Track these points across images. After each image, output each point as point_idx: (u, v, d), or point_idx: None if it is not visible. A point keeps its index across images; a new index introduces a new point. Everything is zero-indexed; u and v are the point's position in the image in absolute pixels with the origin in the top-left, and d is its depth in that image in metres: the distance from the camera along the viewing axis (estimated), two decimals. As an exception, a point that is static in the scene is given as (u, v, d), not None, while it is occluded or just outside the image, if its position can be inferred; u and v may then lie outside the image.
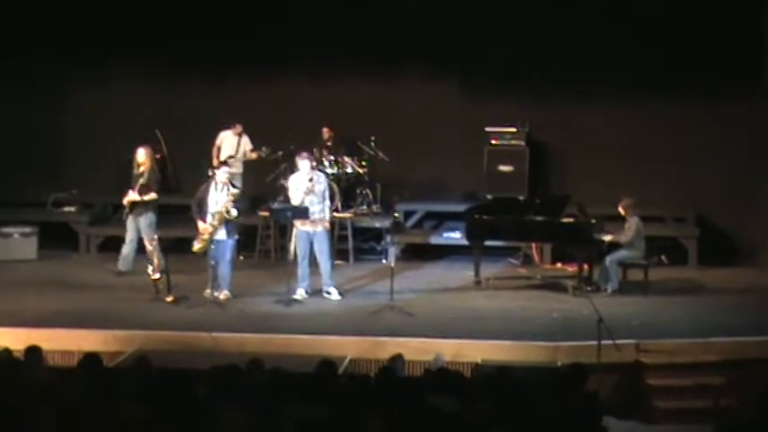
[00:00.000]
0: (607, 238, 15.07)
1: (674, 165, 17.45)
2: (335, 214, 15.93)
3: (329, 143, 17.52)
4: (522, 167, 17.70)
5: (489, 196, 17.11)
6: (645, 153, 17.51)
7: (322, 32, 17.69)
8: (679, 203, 17.47)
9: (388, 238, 15.45)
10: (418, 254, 17.27)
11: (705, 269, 16.54)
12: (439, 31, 17.60)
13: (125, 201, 15.47)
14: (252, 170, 17.31)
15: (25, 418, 8.10)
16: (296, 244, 14.64)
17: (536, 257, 17.00)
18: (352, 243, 16.93)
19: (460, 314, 13.84)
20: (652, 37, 17.21)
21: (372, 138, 17.61)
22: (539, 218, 15.24)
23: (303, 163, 14.56)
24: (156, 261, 14.24)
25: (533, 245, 16.86)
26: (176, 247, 15.24)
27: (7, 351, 10.69)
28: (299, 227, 14.47)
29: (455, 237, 16.97)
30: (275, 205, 16.50)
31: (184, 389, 8.61)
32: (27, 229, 16.83)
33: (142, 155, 15.56)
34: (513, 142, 17.77)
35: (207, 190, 14.27)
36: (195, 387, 8.72)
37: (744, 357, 12.27)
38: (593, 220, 15.26)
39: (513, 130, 17.75)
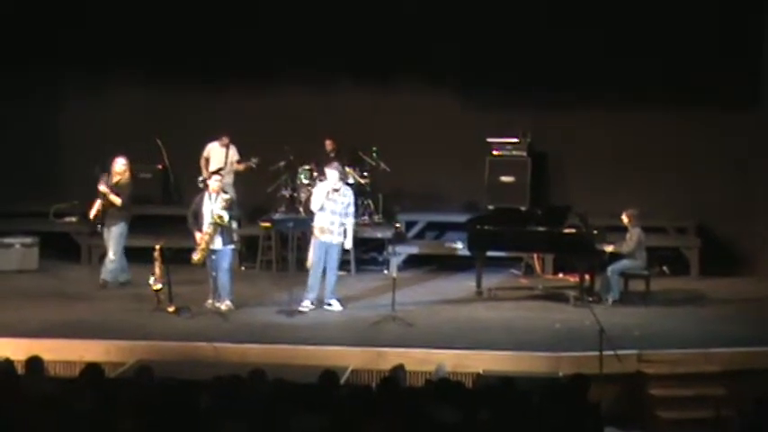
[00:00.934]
0: (608, 248, 15.06)
1: (675, 175, 17.47)
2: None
3: (332, 154, 17.53)
4: (524, 178, 17.71)
5: (491, 207, 17.13)
6: (646, 163, 17.53)
7: (322, 43, 17.70)
8: (680, 214, 17.48)
9: (391, 249, 15.44)
10: (420, 264, 17.27)
11: (707, 279, 16.54)
12: (440, 41, 17.62)
13: (93, 211, 15.36)
14: (250, 180, 17.28)
15: (26, 428, 8.11)
16: (312, 253, 14.61)
17: (538, 268, 17.01)
18: (353, 253, 16.92)
19: (462, 325, 13.83)
20: (652, 48, 17.22)
21: (374, 148, 17.63)
22: (540, 228, 15.24)
23: (331, 173, 14.54)
24: (157, 271, 14.23)
25: (535, 255, 16.86)
26: (178, 258, 15.22)
27: (8, 361, 10.66)
28: (319, 237, 14.45)
29: (457, 247, 16.97)
30: (276, 216, 16.53)
31: (186, 399, 8.60)
32: (28, 240, 16.83)
33: (122, 164, 15.45)
34: (514, 153, 17.78)
35: (201, 201, 14.27)
36: (197, 398, 8.72)
37: (745, 368, 12.26)
38: (595, 231, 15.26)
39: (515, 140, 17.77)
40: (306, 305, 14.38)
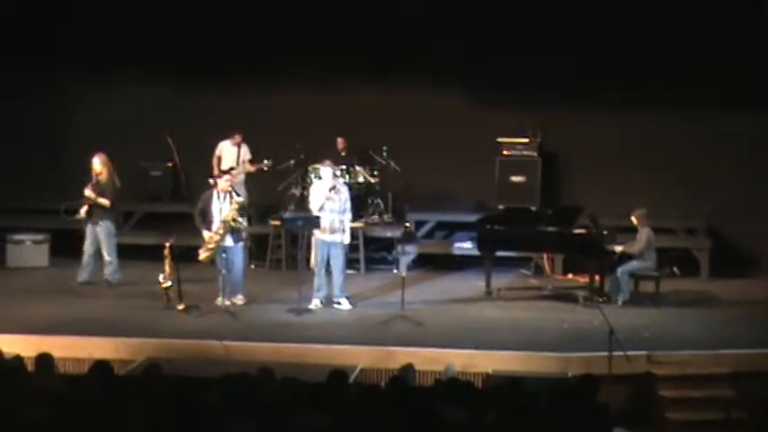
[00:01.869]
0: (618, 248, 15.04)
1: (685, 176, 17.45)
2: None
3: (343, 153, 17.53)
4: (534, 178, 17.69)
5: (501, 207, 17.11)
6: (657, 164, 17.50)
7: (334, 41, 17.70)
8: (691, 215, 17.46)
9: (401, 248, 15.44)
10: (429, 264, 17.26)
11: (717, 281, 16.51)
12: (451, 40, 17.62)
13: (82, 214, 15.37)
14: (260, 179, 17.29)
15: (36, 425, 8.12)
16: (314, 253, 14.63)
17: (547, 268, 16.99)
18: (363, 252, 16.93)
19: (471, 324, 13.83)
20: (664, 49, 17.20)
21: (384, 148, 17.62)
22: (550, 228, 15.22)
23: (325, 170, 14.57)
24: (167, 269, 14.24)
25: (545, 255, 16.85)
26: (187, 256, 15.23)
27: (18, 358, 10.71)
28: (319, 236, 14.47)
29: (467, 247, 16.96)
30: (286, 214, 16.53)
31: (195, 397, 8.61)
32: (39, 237, 16.87)
33: (98, 163, 15.38)
34: (525, 153, 17.76)
35: (209, 199, 14.28)
36: (206, 396, 8.72)
37: (755, 369, 12.24)
38: (605, 232, 15.24)
39: (526, 140, 17.75)
40: (315, 304, 14.40)
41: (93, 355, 11.75)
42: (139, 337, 12.77)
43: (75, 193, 16.89)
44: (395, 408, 8.52)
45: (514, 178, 17.73)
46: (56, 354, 10.32)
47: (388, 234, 17.30)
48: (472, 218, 16.59)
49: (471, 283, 16.10)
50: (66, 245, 17.25)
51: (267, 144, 17.43)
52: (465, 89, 18.05)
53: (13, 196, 17.97)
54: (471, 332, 13.35)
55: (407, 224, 17.22)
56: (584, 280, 15.61)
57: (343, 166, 17.31)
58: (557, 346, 12.65)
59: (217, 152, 17.21)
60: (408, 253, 16.01)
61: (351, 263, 16.40)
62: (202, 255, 14.28)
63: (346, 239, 14.67)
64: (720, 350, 12.63)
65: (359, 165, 17.47)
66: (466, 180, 17.99)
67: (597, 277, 15.18)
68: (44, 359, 9.78)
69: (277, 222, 16.64)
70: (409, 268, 15.41)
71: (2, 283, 15.70)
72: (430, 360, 11.95)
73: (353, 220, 15.20)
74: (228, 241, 14.18)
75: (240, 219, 14.09)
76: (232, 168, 16.68)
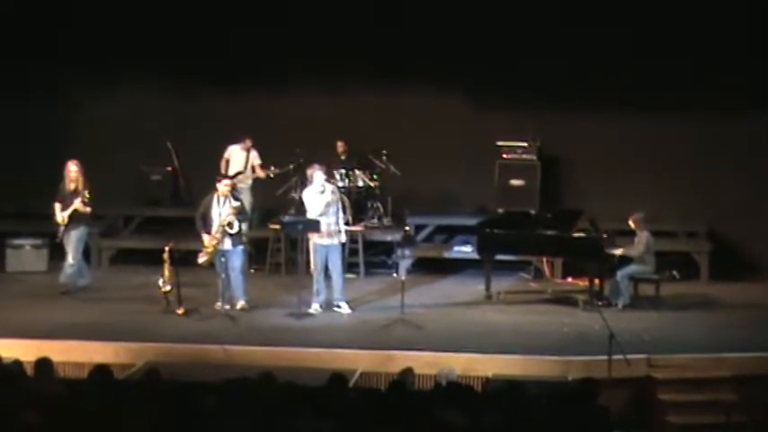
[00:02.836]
0: (618, 251, 15.04)
1: (686, 179, 17.45)
2: (345, 227, 15.90)
3: (343, 156, 17.52)
4: (534, 181, 17.69)
5: (500, 210, 17.11)
6: (657, 168, 17.51)
7: (334, 46, 17.71)
8: (691, 218, 17.45)
9: (400, 251, 15.43)
10: (429, 267, 17.25)
11: (717, 284, 16.49)
12: (450, 44, 17.62)
13: (63, 216, 15.03)
14: (262, 183, 17.31)
15: (35, 430, 8.11)
16: (313, 257, 14.63)
17: (547, 272, 16.97)
18: (362, 256, 16.92)
19: (471, 328, 13.82)
20: (663, 50, 17.21)
21: (384, 151, 17.62)
22: (550, 232, 15.22)
23: (318, 175, 14.56)
24: (166, 273, 14.23)
25: (544, 259, 16.83)
26: (187, 260, 15.23)
27: (18, 363, 10.69)
28: (317, 240, 14.47)
29: (466, 250, 16.95)
30: (286, 218, 16.51)
31: (194, 401, 8.60)
32: (38, 241, 16.85)
33: (76, 170, 15.16)
34: (524, 156, 17.77)
35: (210, 203, 14.28)
36: (206, 400, 8.71)
37: (756, 373, 12.23)
38: (605, 235, 15.23)
39: (525, 144, 17.75)
40: (314, 308, 14.39)
41: (92, 359, 11.74)
42: (139, 341, 12.76)
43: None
44: (395, 411, 8.51)
45: (514, 182, 17.73)
46: (55, 358, 10.31)
47: (388, 238, 17.29)
48: (472, 221, 16.58)
49: (471, 287, 16.09)
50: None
51: (267, 148, 17.43)
52: (465, 92, 18.05)
53: (12, 201, 17.96)
54: (471, 336, 13.34)
55: (407, 228, 17.22)
56: (583, 283, 15.59)
57: (342, 170, 17.32)
58: (557, 349, 12.64)
59: (225, 155, 17.22)
60: (408, 257, 16.03)
61: (350, 267, 16.41)
62: (201, 259, 14.29)
63: (342, 238, 14.65)
64: (721, 353, 12.61)
65: (359, 168, 17.46)
66: (465, 184, 18.00)
67: (597, 281, 15.17)
68: (43, 364, 9.77)
69: (277, 226, 16.62)
70: (408, 272, 15.41)
71: (1, 287, 15.72)
72: (430, 364, 11.91)
73: (353, 223, 15.18)
74: (227, 245, 14.18)
75: (235, 223, 14.06)
76: (239, 173, 16.71)
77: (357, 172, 17.42)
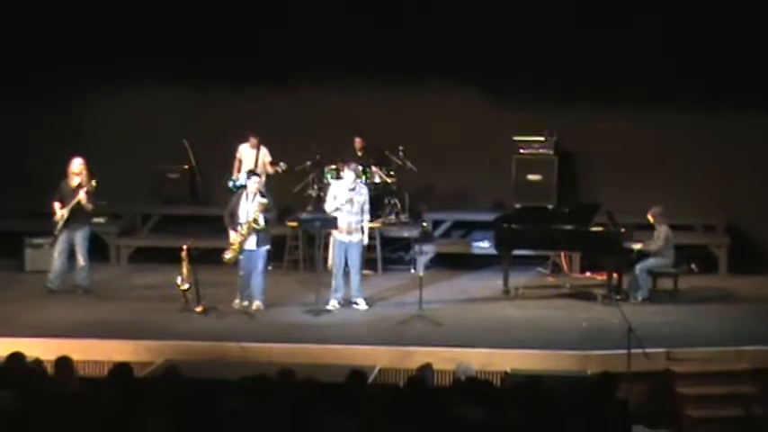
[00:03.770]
0: (636, 246, 15.02)
1: (704, 173, 17.40)
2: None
3: (360, 153, 17.53)
4: (551, 176, 17.66)
5: (518, 205, 17.08)
6: (674, 161, 17.46)
7: (350, 42, 17.70)
8: (709, 212, 17.40)
9: (417, 248, 15.43)
10: (447, 263, 17.25)
11: (735, 277, 16.47)
12: (466, 40, 17.59)
13: (62, 213, 15.05)
14: (278, 180, 17.28)
15: (56, 428, 8.15)
16: (332, 253, 14.64)
17: (565, 266, 16.96)
18: (380, 253, 16.92)
19: (489, 323, 13.83)
20: (681, 46, 17.16)
21: (401, 148, 17.61)
22: (567, 227, 15.20)
23: (348, 174, 14.54)
24: (185, 271, 14.26)
25: (562, 254, 16.82)
26: (205, 258, 15.27)
27: (38, 361, 10.73)
28: (337, 236, 14.48)
29: (484, 246, 16.95)
30: (303, 215, 16.54)
31: (214, 399, 8.62)
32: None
33: (79, 165, 15.14)
34: (541, 151, 17.73)
35: (238, 200, 14.32)
36: (225, 397, 8.73)
37: (775, 366, 12.21)
38: (623, 229, 15.21)
39: (542, 138, 17.72)
40: (332, 305, 14.41)
41: (111, 357, 11.79)
42: (158, 339, 12.80)
43: (95, 197, 16.93)
44: (414, 407, 8.52)
45: (531, 177, 17.70)
46: (75, 357, 10.33)
47: (405, 234, 17.30)
48: (489, 217, 16.56)
49: (489, 283, 16.08)
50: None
51: (283, 145, 17.44)
52: (481, 88, 18.01)
53: (31, 200, 18.00)
54: (489, 331, 13.35)
55: (424, 224, 17.23)
56: (601, 278, 15.59)
57: (360, 167, 17.31)
58: (575, 344, 12.64)
59: (237, 155, 17.23)
60: (426, 253, 16.02)
61: (368, 263, 16.40)
62: (227, 256, 14.29)
63: (365, 240, 14.68)
64: (740, 347, 12.60)
65: (375, 165, 17.47)
66: (482, 179, 17.98)
67: (615, 275, 15.16)
68: (63, 362, 9.80)
69: (294, 223, 16.65)
70: (426, 268, 15.41)
71: (21, 286, 15.76)
72: (448, 359, 11.92)
73: (370, 220, 15.18)
74: (251, 244, 14.19)
75: (261, 220, 14.09)
76: (252, 170, 16.69)
77: (374, 169, 17.42)
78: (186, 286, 14.19)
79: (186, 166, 18.58)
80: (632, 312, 12.75)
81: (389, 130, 17.82)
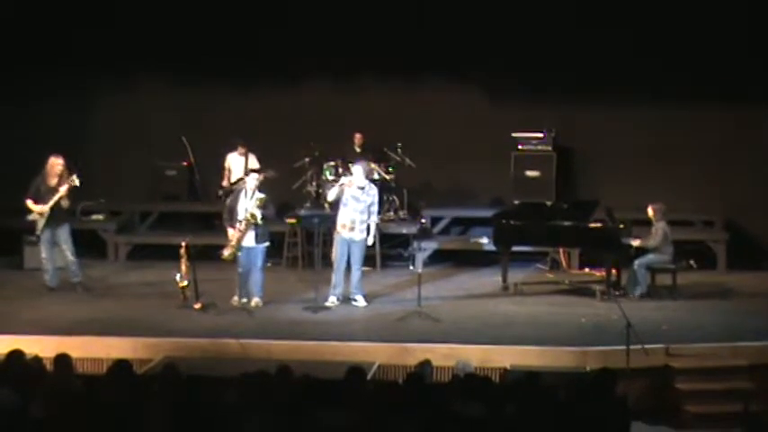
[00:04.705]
0: (635, 242, 15.02)
1: (702, 169, 17.41)
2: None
3: (359, 149, 17.52)
4: (550, 172, 17.66)
5: (516, 201, 17.09)
6: (673, 157, 17.47)
7: (349, 40, 17.69)
8: (708, 207, 17.41)
9: (416, 244, 15.44)
10: (445, 260, 17.26)
11: (734, 273, 16.48)
12: (465, 36, 17.59)
13: (43, 208, 14.89)
14: (277, 177, 17.25)
15: (55, 425, 8.15)
16: (335, 249, 14.63)
17: (564, 262, 16.97)
18: (379, 249, 16.92)
19: (488, 320, 13.83)
20: (679, 43, 17.16)
21: (399, 144, 17.62)
22: (566, 223, 15.21)
23: (357, 170, 14.48)
24: (183, 268, 14.26)
25: (561, 250, 16.82)
26: (204, 255, 15.27)
27: (37, 359, 10.74)
28: (342, 233, 14.47)
29: (483, 242, 16.95)
30: (302, 212, 16.54)
31: (213, 396, 8.63)
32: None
33: (60, 165, 15.01)
34: (539, 147, 17.74)
35: (237, 197, 14.32)
36: (224, 394, 8.73)
37: (774, 361, 12.21)
38: (622, 225, 15.22)
39: (540, 135, 17.72)
40: (331, 301, 14.41)
41: (110, 354, 11.79)
42: (157, 336, 12.81)
43: (93, 194, 17.02)
44: (413, 404, 8.52)
45: (530, 173, 17.71)
46: (74, 354, 10.34)
47: (404, 231, 17.31)
48: (488, 213, 16.56)
49: (488, 279, 16.10)
50: (84, 245, 17.31)
51: (283, 142, 17.46)
52: (479, 84, 18.03)
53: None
54: (488, 327, 13.35)
55: (423, 220, 17.24)
56: (600, 274, 15.58)
57: (369, 164, 17.31)
58: (574, 340, 12.65)
59: (226, 164, 17.17)
60: (424, 249, 16.02)
61: (367, 260, 16.39)
62: (226, 252, 14.29)
63: (369, 240, 14.66)
64: (738, 342, 12.61)
65: (374, 161, 17.46)
66: (481, 175, 17.99)
67: (614, 271, 15.17)
68: (62, 359, 9.81)
69: (293, 220, 16.65)
70: (425, 264, 15.41)
71: (20, 284, 15.76)
72: (447, 356, 11.93)
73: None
74: (250, 241, 14.19)
75: (259, 215, 14.08)
76: (240, 179, 16.63)
77: (373, 165, 17.41)
78: (185, 283, 14.19)
79: (185, 164, 18.58)
80: (631, 308, 12.73)
81: (388, 126, 17.83)
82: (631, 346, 11.68)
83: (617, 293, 14.69)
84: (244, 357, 12.15)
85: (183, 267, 14.26)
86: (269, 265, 16.03)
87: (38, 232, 15.16)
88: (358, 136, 17.59)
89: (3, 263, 16.89)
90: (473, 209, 17.95)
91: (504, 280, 15.46)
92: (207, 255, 15.41)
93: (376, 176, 17.33)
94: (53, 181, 15.03)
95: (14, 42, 17.98)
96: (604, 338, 12.50)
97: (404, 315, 13.72)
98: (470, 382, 9.26)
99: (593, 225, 15.24)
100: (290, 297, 14.86)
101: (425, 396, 8.75)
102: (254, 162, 16.91)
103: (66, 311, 14.05)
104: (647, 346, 11.97)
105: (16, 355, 9.73)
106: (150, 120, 18.40)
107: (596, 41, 17.29)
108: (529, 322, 13.66)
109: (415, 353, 11.97)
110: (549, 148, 17.74)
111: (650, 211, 15.01)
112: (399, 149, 17.63)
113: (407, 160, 17.62)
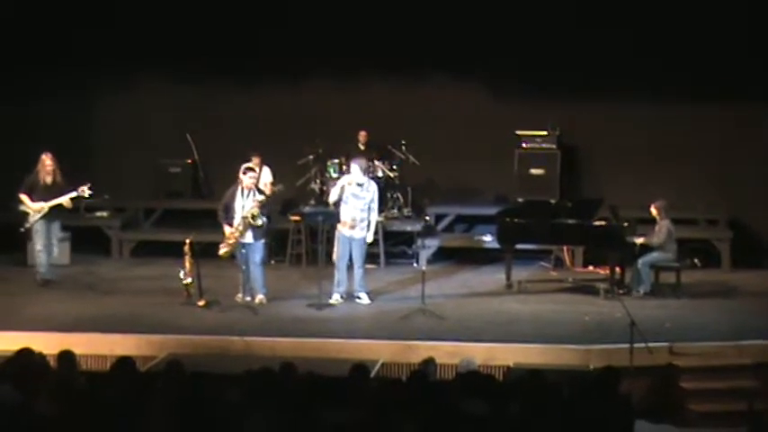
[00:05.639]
0: (639, 240, 15.01)
1: (706, 167, 17.41)
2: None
3: (363, 147, 17.52)
4: (554, 170, 17.67)
5: (520, 199, 17.09)
6: (677, 155, 17.46)
7: (352, 37, 17.70)
8: (712, 206, 17.40)
9: (420, 242, 15.44)
10: (449, 257, 17.25)
11: (738, 271, 16.48)
12: (469, 34, 17.59)
13: (43, 207, 15.00)
14: (281, 174, 17.22)
15: (58, 422, 8.15)
16: (336, 247, 14.63)
17: (567, 260, 16.97)
18: (383, 247, 16.93)
19: (492, 317, 13.82)
20: (682, 40, 17.15)
21: (403, 142, 17.63)
22: (570, 221, 15.20)
23: (355, 167, 14.48)
24: (187, 265, 14.26)
25: (565, 248, 16.82)
26: (208, 252, 15.26)
27: (41, 355, 10.73)
28: (342, 230, 14.47)
29: (487, 240, 16.95)
30: (306, 209, 16.54)
31: (217, 393, 8.62)
32: (60, 235, 16.86)
33: (50, 162, 15.12)
34: (544, 145, 17.75)
35: (233, 195, 14.27)
36: (227, 391, 8.73)
37: (778, 360, 12.20)
38: (625, 223, 15.21)
39: (544, 132, 17.73)
40: (335, 299, 14.41)
41: (114, 351, 11.80)
42: (160, 333, 12.79)
43: (97, 191, 16.95)
44: (416, 401, 8.52)
45: (534, 171, 17.72)
46: (78, 351, 10.32)
47: (408, 228, 17.31)
48: (492, 211, 16.56)
49: (491, 277, 16.10)
50: (88, 243, 17.36)
51: (286, 140, 17.47)
52: (483, 82, 18.03)
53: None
54: (492, 325, 13.34)
55: (427, 218, 17.23)
56: (604, 272, 15.59)
57: (366, 162, 17.29)
58: (578, 338, 12.63)
59: (241, 175, 17.06)
60: (428, 247, 16.01)
61: (370, 257, 16.40)
62: (222, 250, 14.30)
63: (369, 237, 14.65)
64: (742, 341, 12.59)
65: (378, 159, 17.47)
66: (485, 173, 17.99)
67: (618, 269, 15.16)
68: (66, 356, 9.81)
69: (297, 217, 16.66)
70: (429, 262, 15.40)
71: (24, 280, 15.74)
72: (451, 354, 11.92)
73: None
74: (248, 238, 14.19)
75: (260, 219, 14.06)
76: (251, 168, 16.59)
77: (376, 162, 17.43)
78: (189, 280, 14.20)
79: (189, 161, 18.60)
80: (635, 306, 12.74)
81: (392, 124, 17.85)
82: (635, 345, 11.66)
83: (621, 292, 14.70)
84: (248, 354, 12.16)
85: (187, 264, 14.27)
86: (272, 262, 16.08)
87: (27, 225, 15.18)
88: (362, 134, 17.60)
89: (5, 260, 16.89)
90: (477, 206, 17.96)
91: (508, 278, 15.45)
92: (211, 252, 15.38)
93: (380, 174, 17.34)
94: (47, 179, 15.13)
95: (14, 42, 17.97)
96: (608, 337, 12.49)
97: (408, 312, 13.71)
98: (474, 380, 9.25)
99: (597, 223, 15.24)
100: (294, 294, 14.87)
101: (429, 393, 8.74)
102: (267, 175, 16.68)
103: (69, 308, 14.05)
104: (650, 345, 11.94)
105: (24, 353, 9.72)
106: (151, 119, 18.42)
107: (601, 39, 17.28)
108: (532, 320, 13.65)
109: (419, 350, 11.96)
110: (554, 146, 17.74)
111: (654, 210, 15.01)
112: (403, 147, 17.64)
113: (411, 158, 17.63)
